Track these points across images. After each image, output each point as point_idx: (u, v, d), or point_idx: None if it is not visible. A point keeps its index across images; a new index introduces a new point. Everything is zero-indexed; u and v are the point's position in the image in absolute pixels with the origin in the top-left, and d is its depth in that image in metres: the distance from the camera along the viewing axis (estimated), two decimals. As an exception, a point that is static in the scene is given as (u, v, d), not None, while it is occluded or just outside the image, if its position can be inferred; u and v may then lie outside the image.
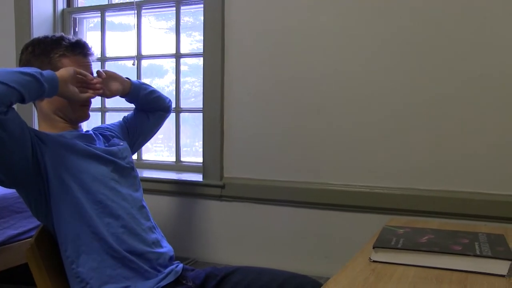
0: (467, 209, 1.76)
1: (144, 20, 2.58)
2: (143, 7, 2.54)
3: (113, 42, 2.70)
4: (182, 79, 2.50)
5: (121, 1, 2.63)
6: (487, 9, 1.73)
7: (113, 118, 2.69)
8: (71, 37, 1.43)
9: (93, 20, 2.80)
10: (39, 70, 1.21)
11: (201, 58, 2.24)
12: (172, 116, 1.88)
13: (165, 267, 1.39)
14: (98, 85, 1.42)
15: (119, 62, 2.74)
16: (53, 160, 1.28)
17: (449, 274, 1.02)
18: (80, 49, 1.42)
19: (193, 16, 2.51)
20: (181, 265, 1.44)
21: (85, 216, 1.30)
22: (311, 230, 2.03)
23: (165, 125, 1.87)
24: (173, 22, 2.48)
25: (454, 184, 1.80)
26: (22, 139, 1.21)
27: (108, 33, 2.68)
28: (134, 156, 1.82)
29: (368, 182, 1.92)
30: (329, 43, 1.97)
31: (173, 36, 2.47)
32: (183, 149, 2.53)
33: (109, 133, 1.57)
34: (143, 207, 1.46)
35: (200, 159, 2.30)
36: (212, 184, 2.21)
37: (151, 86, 1.75)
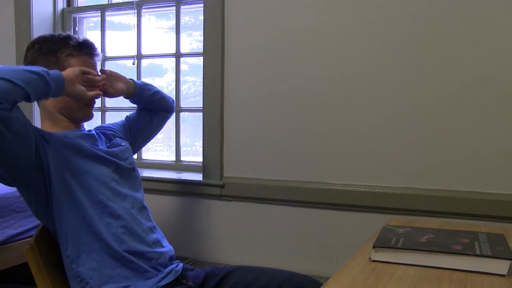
0: (467, 208, 1.76)
1: (144, 19, 2.58)
2: (143, 7, 2.54)
3: (113, 41, 2.70)
4: (182, 79, 2.50)
5: (121, 1, 2.63)
6: (487, 9, 1.73)
7: (113, 118, 2.69)
8: (78, 36, 1.43)
9: (93, 19, 2.80)
10: (45, 69, 1.21)
11: (201, 58, 2.24)
12: (172, 115, 1.88)
13: (165, 266, 1.39)
14: (103, 83, 1.43)
15: (119, 61, 2.74)
16: (55, 160, 1.28)
17: (449, 273, 1.02)
18: (87, 49, 1.42)
19: (193, 15, 2.51)
20: (181, 265, 1.44)
21: (86, 216, 1.30)
22: (311, 229, 2.03)
23: (165, 125, 1.87)
24: (173, 22, 2.48)
25: (454, 183, 1.80)
26: (26, 138, 1.21)
27: (108, 33, 2.68)
28: (134, 156, 1.82)
29: (368, 181, 1.92)
30: (329, 43, 1.97)
31: (173, 35, 2.47)
32: (183, 149, 2.53)
33: (111, 132, 1.58)
34: (143, 207, 1.46)
35: (200, 159, 2.30)
36: (212, 184, 2.21)
37: (154, 87, 1.76)
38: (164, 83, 2.61)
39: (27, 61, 1.40)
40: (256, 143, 2.12)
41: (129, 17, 2.67)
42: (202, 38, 2.22)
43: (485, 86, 1.74)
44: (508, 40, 1.71)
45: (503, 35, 1.71)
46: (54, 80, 1.21)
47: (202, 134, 2.24)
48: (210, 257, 2.23)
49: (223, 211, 2.21)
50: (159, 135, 2.11)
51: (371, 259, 1.12)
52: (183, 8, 2.46)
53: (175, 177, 2.34)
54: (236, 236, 2.18)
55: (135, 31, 2.56)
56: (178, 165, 2.50)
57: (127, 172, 1.46)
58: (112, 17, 2.72)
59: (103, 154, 1.40)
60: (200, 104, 2.28)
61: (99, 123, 2.54)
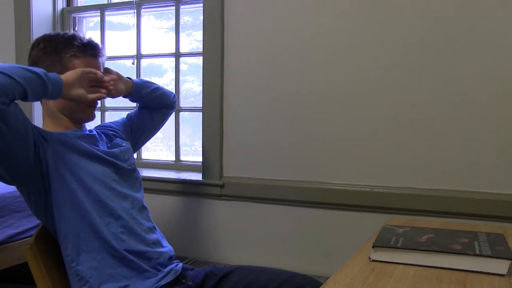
0: (467, 208, 1.76)
1: (143, 19, 2.58)
2: (143, 6, 2.54)
3: (112, 41, 2.70)
4: (181, 78, 2.49)
5: (121, 1, 2.63)
6: (487, 8, 1.73)
7: (113, 117, 2.69)
8: (83, 36, 1.42)
9: (93, 19, 2.80)
10: (44, 71, 1.20)
11: (201, 57, 2.24)
12: (172, 115, 1.87)
13: (165, 266, 1.39)
14: (110, 83, 1.42)
15: (119, 61, 2.74)
16: (54, 159, 1.28)
17: (449, 273, 1.02)
18: (91, 50, 1.41)
19: (193, 15, 2.51)
20: (180, 264, 1.44)
21: (86, 215, 1.30)
22: (310, 229, 2.03)
23: (164, 124, 1.87)
24: (172, 22, 2.48)
25: (453, 183, 1.80)
26: (25, 136, 1.21)
27: (107, 33, 2.68)
28: (134, 155, 1.82)
29: (368, 181, 1.92)
30: (329, 43, 1.96)
31: (172, 35, 2.47)
32: (182, 148, 2.53)
33: (112, 132, 1.57)
34: (143, 208, 1.46)
35: (200, 158, 2.30)
36: (212, 183, 2.21)
37: (154, 84, 1.74)
38: (163, 83, 2.61)
39: (31, 59, 1.40)
40: (256, 143, 2.12)
41: (128, 17, 2.67)
42: (201, 38, 2.22)
43: (485, 86, 1.74)
44: (509, 40, 1.71)
45: (504, 35, 1.71)
46: (52, 82, 1.21)
47: (201, 134, 2.24)
48: (209, 256, 2.23)
49: (223, 211, 2.21)
50: (159, 134, 2.11)
51: (370, 258, 1.12)
52: (183, 8, 2.46)
53: (174, 177, 2.34)
54: (235, 236, 2.18)
55: (134, 31, 2.56)
56: (177, 164, 2.50)
57: (127, 173, 1.46)
58: (111, 17, 2.72)
59: (103, 154, 1.40)
60: (199, 103, 2.28)
61: (99, 123, 2.54)
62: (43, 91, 1.20)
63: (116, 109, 2.68)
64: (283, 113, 2.06)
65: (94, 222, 1.30)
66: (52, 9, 2.73)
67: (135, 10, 2.54)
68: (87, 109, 1.42)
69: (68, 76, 1.28)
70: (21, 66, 1.17)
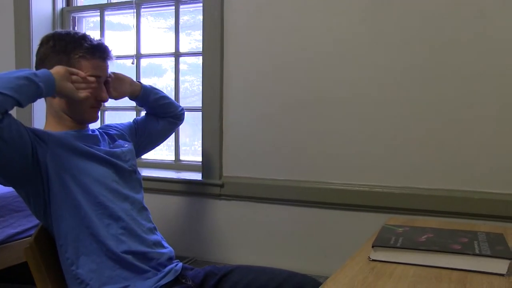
0: (467, 208, 1.76)
1: (143, 19, 2.58)
2: (142, 6, 2.54)
3: (112, 41, 2.70)
4: (181, 78, 2.49)
5: (120, 0, 2.63)
6: (487, 8, 1.73)
7: (112, 117, 2.69)
8: (93, 38, 1.41)
9: (93, 19, 2.79)
10: (33, 71, 1.20)
11: (200, 57, 2.24)
12: (181, 124, 1.89)
13: (165, 266, 1.39)
14: (93, 85, 1.37)
15: (118, 61, 2.73)
16: (54, 161, 1.28)
17: (449, 273, 1.02)
18: (100, 52, 1.40)
19: (192, 15, 2.51)
20: (180, 264, 1.44)
21: (84, 217, 1.30)
22: (310, 229, 2.03)
23: (172, 134, 1.89)
24: (172, 21, 2.47)
25: (453, 183, 1.80)
26: (22, 145, 1.21)
27: (107, 32, 2.68)
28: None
29: (367, 181, 1.92)
30: (329, 43, 1.96)
31: (172, 35, 2.47)
32: (182, 148, 2.53)
33: (115, 132, 1.57)
34: (144, 208, 1.46)
35: (199, 158, 2.30)
36: (211, 183, 2.20)
37: (163, 92, 1.77)
38: (163, 83, 2.61)
39: (39, 57, 1.39)
40: (256, 143, 2.12)
41: (128, 17, 2.67)
42: (201, 38, 2.22)
43: (485, 86, 1.74)
44: (509, 40, 1.71)
45: (504, 35, 1.71)
46: (43, 81, 1.21)
47: (201, 133, 2.24)
48: (209, 256, 2.23)
49: (223, 211, 2.21)
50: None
51: (370, 258, 1.12)
52: (182, 8, 2.46)
53: (174, 177, 2.34)
54: (235, 236, 2.18)
55: (134, 30, 2.56)
56: (177, 164, 2.50)
57: (128, 174, 1.46)
58: (111, 17, 2.71)
59: (104, 155, 1.39)
60: (199, 103, 2.28)
61: (98, 123, 2.54)
62: (37, 93, 1.20)
63: (116, 109, 2.68)
64: (282, 112, 2.05)
65: (93, 224, 1.30)
66: (52, 9, 2.73)
67: (135, 10, 2.54)
68: (91, 110, 1.42)
69: (58, 69, 1.28)
70: (9, 74, 1.16)
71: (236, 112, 2.16)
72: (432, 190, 1.82)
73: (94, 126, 1.52)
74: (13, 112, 1.20)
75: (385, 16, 1.87)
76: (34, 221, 1.99)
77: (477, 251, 1.05)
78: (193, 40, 2.52)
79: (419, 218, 1.72)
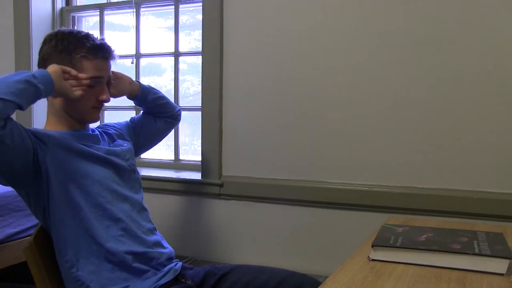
0: (466, 207, 1.76)
1: (143, 18, 2.58)
2: (142, 6, 2.54)
3: (112, 40, 2.69)
4: (181, 78, 2.49)
5: (120, 0, 2.63)
6: (487, 7, 1.73)
7: (112, 117, 2.69)
8: (96, 38, 1.40)
9: (92, 19, 2.79)
10: (31, 73, 1.20)
11: (200, 57, 2.24)
12: (178, 124, 1.90)
13: (164, 266, 1.39)
14: (85, 81, 1.34)
15: (118, 60, 2.73)
16: (54, 163, 1.28)
17: (448, 272, 1.02)
18: (102, 52, 1.40)
19: (192, 14, 2.51)
20: (180, 264, 1.44)
21: (83, 219, 1.30)
22: (309, 228, 2.03)
23: (169, 133, 1.88)
24: (172, 21, 2.47)
25: (453, 182, 1.80)
26: (23, 148, 1.21)
27: (107, 32, 2.68)
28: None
29: (367, 180, 1.92)
30: (328, 42, 1.96)
31: (172, 34, 2.47)
32: (182, 148, 2.53)
33: (114, 131, 1.57)
34: (143, 209, 1.46)
35: (199, 158, 2.30)
36: (211, 183, 2.20)
37: (161, 92, 1.78)
38: (163, 82, 2.61)
39: (42, 55, 1.38)
40: (255, 142, 2.12)
41: (128, 16, 2.66)
42: (201, 37, 2.22)
43: (485, 86, 1.74)
44: (509, 39, 1.71)
45: (504, 34, 1.71)
46: (42, 82, 1.21)
47: (201, 133, 2.24)
48: (209, 256, 2.23)
49: (222, 210, 2.21)
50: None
51: (370, 258, 1.12)
52: (182, 7, 2.46)
53: (174, 176, 2.34)
54: (235, 235, 2.18)
55: (133, 30, 2.56)
56: (177, 164, 2.50)
57: (127, 173, 1.45)
58: (111, 17, 2.71)
59: (103, 154, 1.39)
60: (199, 103, 2.28)
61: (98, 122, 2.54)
62: (36, 95, 1.20)
63: (116, 109, 2.68)
64: (282, 112, 2.06)
65: (91, 227, 1.30)
66: (52, 9, 2.73)
67: (134, 10, 2.53)
68: (93, 111, 1.42)
69: (54, 68, 1.27)
70: (7, 78, 1.16)
71: (236, 111, 2.16)
72: (431, 189, 1.82)
73: (93, 125, 1.52)
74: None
75: (385, 16, 1.87)
76: (33, 220, 1.99)
77: (476, 251, 1.05)
78: (192, 39, 2.52)
79: (419, 218, 1.72)
